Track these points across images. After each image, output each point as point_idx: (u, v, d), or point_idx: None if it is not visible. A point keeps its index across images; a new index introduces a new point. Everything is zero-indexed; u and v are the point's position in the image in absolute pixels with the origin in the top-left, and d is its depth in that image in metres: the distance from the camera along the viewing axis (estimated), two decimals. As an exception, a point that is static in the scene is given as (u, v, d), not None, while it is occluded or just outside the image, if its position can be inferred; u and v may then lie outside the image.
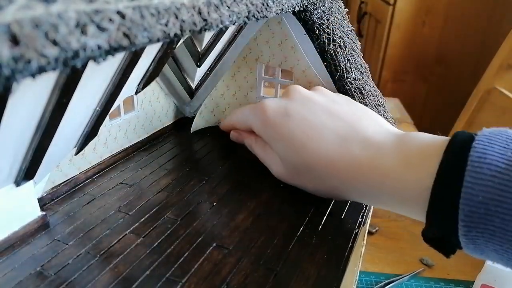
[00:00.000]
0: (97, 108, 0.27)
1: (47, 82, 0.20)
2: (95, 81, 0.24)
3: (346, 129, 0.29)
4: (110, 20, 0.14)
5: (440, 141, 0.26)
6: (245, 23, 0.23)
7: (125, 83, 0.26)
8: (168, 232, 0.27)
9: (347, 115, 0.30)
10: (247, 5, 0.23)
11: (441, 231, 0.24)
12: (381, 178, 0.26)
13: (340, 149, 0.29)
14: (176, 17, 0.17)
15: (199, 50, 0.36)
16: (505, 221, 0.21)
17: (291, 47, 0.37)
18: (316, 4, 0.33)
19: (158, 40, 0.17)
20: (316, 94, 0.33)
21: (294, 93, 0.33)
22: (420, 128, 0.87)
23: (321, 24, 0.34)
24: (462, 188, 0.22)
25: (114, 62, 0.24)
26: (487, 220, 0.22)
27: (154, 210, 0.29)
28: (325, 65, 0.35)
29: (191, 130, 0.43)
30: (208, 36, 0.35)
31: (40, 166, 0.25)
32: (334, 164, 0.28)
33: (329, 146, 0.29)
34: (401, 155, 0.26)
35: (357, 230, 0.28)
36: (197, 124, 0.43)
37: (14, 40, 0.11)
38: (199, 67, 0.38)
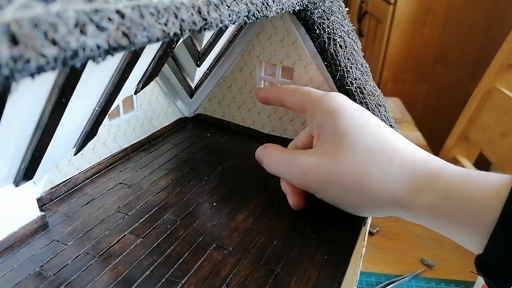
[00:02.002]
0: (96, 108, 0.27)
1: (46, 82, 0.20)
2: (94, 81, 0.24)
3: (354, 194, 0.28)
4: (110, 19, 0.14)
5: (492, 191, 0.24)
6: (245, 22, 0.23)
7: (124, 83, 0.26)
8: (168, 232, 0.27)
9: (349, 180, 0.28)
10: (247, 4, 0.23)
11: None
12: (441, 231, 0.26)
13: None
14: (176, 17, 0.17)
15: (199, 50, 0.36)
16: None
17: (292, 42, 0.37)
18: (316, 3, 0.32)
19: (157, 40, 0.16)
20: None
21: None
22: (421, 128, 0.88)
23: (321, 24, 0.33)
24: None
25: (114, 62, 0.24)
26: None
27: (153, 210, 0.29)
28: (325, 65, 0.35)
29: (193, 112, 0.44)
30: (207, 35, 0.35)
31: (39, 166, 0.25)
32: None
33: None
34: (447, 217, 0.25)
35: (357, 230, 0.28)
36: (204, 107, 0.43)
37: (13, 40, 0.11)
38: (199, 67, 0.38)
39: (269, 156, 0.32)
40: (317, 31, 0.34)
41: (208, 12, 0.19)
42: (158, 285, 0.22)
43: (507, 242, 0.23)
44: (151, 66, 0.31)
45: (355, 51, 0.36)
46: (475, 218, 0.24)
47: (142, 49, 0.25)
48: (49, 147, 0.24)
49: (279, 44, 0.38)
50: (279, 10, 0.27)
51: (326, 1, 0.34)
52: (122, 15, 0.15)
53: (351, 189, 0.27)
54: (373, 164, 0.27)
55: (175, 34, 0.17)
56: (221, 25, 0.21)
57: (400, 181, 0.26)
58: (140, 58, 0.26)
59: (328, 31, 0.34)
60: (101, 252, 0.25)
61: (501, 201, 0.23)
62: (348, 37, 0.36)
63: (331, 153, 0.28)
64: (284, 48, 0.37)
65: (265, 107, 0.41)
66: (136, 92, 0.34)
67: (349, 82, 0.35)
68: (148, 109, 0.39)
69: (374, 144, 0.27)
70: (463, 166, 0.27)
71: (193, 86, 0.42)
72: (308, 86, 0.38)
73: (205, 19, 0.19)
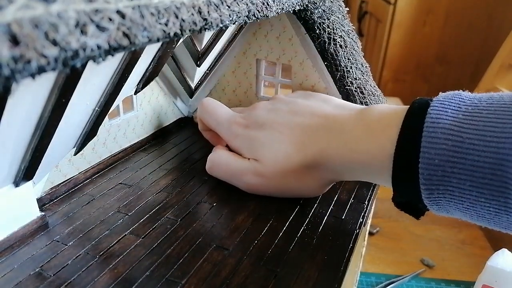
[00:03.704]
0: (96, 108, 0.27)
1: (46, 82, 0.20)
2: (94, 81, 0.24)
3: (311, 118, 0.30)
4: (110, 19, 0.14)
5: (400, 109, 0.26)
6: (245, 22, 0.23)
7: (124, 83, 0.26)
8: (168, 232, 0.27)
9: (309, 107, 0.31)
10: (247, 4, 0.23)
11: (407, 196, 0.25)
12: (349, 154, 0.27)
13: (312, 139, 0.29)
14: (176, 17, 0.17)
15: (199, 50, 0.36)
16: (461, 180, 0.22)
17: (288, 39, 0.37)
18: (316, 3, 0.32)
19: (158, 40, 0.16)
20: (278, 101, 0.34)
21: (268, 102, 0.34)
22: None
23: (321, 23, 0.33)
24: (419, 153, 0.23)
25: (114, 62, 0.24)
26: (445, 182, 0.23)
27: (153, 210, 0.29)
28: (325, 65, 0.35)
29: (192, 112, 0.44)
30: (207, 35, 0.35)
31: (39, 166, 0.25)
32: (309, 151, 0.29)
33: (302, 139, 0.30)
34: (364, 127, 0.27)
35: (357, 230, 0.28)
36: (194, 116, 0.44)
37: (14, 40, 0.11)
38: (199, 67, 0.38)
39: (212, 160, 0.33)
40: (317, 31, 0.34)
41: (208, 12, 0.19)
42: (158, 286, 0.22)
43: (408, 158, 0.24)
44: (151, 66, 0.31)
45: (355, 51, 0.36)
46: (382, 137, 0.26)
47: (142, 49, 0.25)
48: (49, 147, 0.24)
49: (276, 41, 0.38)
50: (279, 10, 0.27)
51: (326, 1, 0.34)
52: (122, 15, 0.15)
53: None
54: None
55: (175, 34, 0.17)
56: (221, 25, 0.21)
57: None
58: (140, 58, 0.26)
59: (328, 31, 0.34)
60: (101, 252, 0.25)
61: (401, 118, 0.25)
62: (348, 37, 0.36)
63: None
64: (280, 45, 0.37)
65: None
66: (136, 92, 0.34)
67: (349, 82, 0.35)
68: (148, 109, 0.39)
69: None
70: None
71: (193, 86, 0.42)
72: (304, 83, 0.38)
73: (205, 19, 0.19)
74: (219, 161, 0.32)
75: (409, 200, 0.26)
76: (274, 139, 0.30)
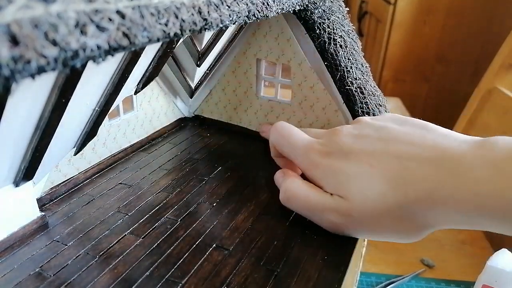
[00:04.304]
0: (96, 108, 0.27)
1: (46, 82, 0.20)
2: (94, 81, 0.24)
3: (410, 149, 0.26)
4: (110, 20, 0.14)
5: None
6: (245, 22, 0.23)
7: (124, 83, 0.26)
8: (168, 232, 0.27)
9: (404, 135, 0.27)
10: (247, 4, 0.23)
11: None
12: (476, 198, 0.22)
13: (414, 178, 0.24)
14: (176, 17, 0.17)
15: (199, 50, 0.36)
16: None
17: (287, 39, 0.37)
18: (316, 3, 0.32)
19: (158, 40, 0.16)
20: (364, 125, 0.30)
21: (359, 122, 0.31)
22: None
23: (321, 23, 0.33)
24: None
25: (114, 62, 0.24)
26: None
27: (153, 210, 0.29)
28: (325, 65, 0.35)
29: (193, 112, 0.44)
30: (208, 35, 0.35)
31: (39, 166, 0.25)
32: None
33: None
34: (490, 165, 0.22)
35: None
36: (202, 108, 0.44)
37: (14, 40, 0.11)
38: (199, 67, 0.38)
39: (289, 191, 0.29)
40: (317, 31, 0.34)
41: (208, 12, 0.19)
42: (158, 286, 0.22)
43: None
44: (151, 66, 0.31)
45: (355, 51, 0.36)
46: None
47: (142, 49, 0.25)
48: (49, 147, 0.24)
49: (274, 42, 0.38)
50: (279, 10, 0.27)
51: (326, 1, 0.34)
52: (122, 15, 0.15)
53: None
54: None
55: (175, 34, 0.17)
56: (221, 25, 0.21)
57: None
58: (140, 58, 0.26)
59: (328, 31, 0.34)
60: (101, 252, 0.25)
61: None
62: (348, 37, 0.36)
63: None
64: (279, 46, 0.37)
65: (261, 107, 0.41)
66: (136, 92, 0.34)
67: (349, 82, 0.35)
68: (148, 109, 0.39)
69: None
70: None
71: (193, 86, 0.42)
72: (302, 84, 0.38)
73: (205, 19, 0.19)
74: (297, 193, 0.28)
75: None
76: (363, 173, 0.25)
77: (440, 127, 0.27)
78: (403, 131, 0.27)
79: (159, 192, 0.31)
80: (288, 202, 0.29)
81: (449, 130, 0.27)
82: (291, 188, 0.29)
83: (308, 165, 0.29)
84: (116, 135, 0.35)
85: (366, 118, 0.31)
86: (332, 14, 0.34)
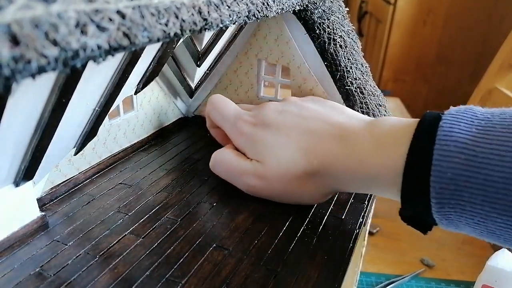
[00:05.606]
0: (97, 108, 0.27)
1: (46, 82, 0.20)
2: (94, 81, 0.24)
3: (321, 125, 0.30)
4: (110, 20, 0.14)
5: (410, 122, 0.26)
6: (245, 22, 0.23)
7: (124, 83, 0.26)
8: (168, 232, 0.27)
9: (319, 114, 0.31)
10: (247, 4, 0.23)
11: (416, 210, 0.25)
12: (357, 165, 0.27)
13: (317, 145, 0.29)
14: (176, 17, 0.17)
15: (199, 50, 0.36)
16: (473, 195, 0.22)
17: (286, 42, 0.37)
18: (316, 3, 0.32)
19: (158, 40, 0.16)
20: (289, 103, 0.33)
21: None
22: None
23: (321, 24, 0.34)
24: (431, 166, 0.23)
25: (114, 62, 0.24)
26: (457, 196, 0.22)
27: (153, 210, 0.29)
28: (325, 65, 0.35)
29: (193, 112, 0.44)
30: (208, 35, 0.35)
31: (39, 166, 0.25)
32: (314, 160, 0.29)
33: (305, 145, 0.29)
34: (373, 139, 0.27)
35: (357, 230, 0.28)
36: (202, 108, 0.44)
37: (14, 40, 0.11)
38: (199, 67, 0.38)
39: (216, 157, 0.33)
40: (317, 31, 0.34)
41: (208, 12, 0.19)
42: (158, 286, 0.22)
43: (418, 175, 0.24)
44: (151, 66, 0.31)
45: (355, 51, 0.36)
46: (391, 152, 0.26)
47: (142, 49, 0.25)
48: (49, 147, 0.24)
49: (274, 44, 0.38)
50: (279, 10, 0.27)
51: (326, 1, 0.34)
52: (122, 15, 0.15)
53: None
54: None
55: (175, 34, 0.17)
56: (221, 25, 0.21)
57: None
58: (140, 58, 0.26)
59: (328, 31, 0.34)
60: (101, 252, 0.25)
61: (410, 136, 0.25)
62: (348, 37, 0.36)
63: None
64: (278, 48, 0.38)
65: None
66: (136, 92, 0.34)
67: (349, 82, 0.35)
68: (148, 109, 0.39)
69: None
70: None
71: (193, 86, 0.42)
72: (302, 86, 0.38)
73: (205, 19, 0.19)
74: (222, 159, 0.32)
75: (417, 215, 0.25)
76: (280, 142, 0.29)
77: (350, 109, 0.32)
78: (319, 111, 0.31)
79: (159, 192, 0.31)
80: (213, 167, 0.33)
81: (356, 112, 0.32)
82: (218, 155, 0.33)
83: (235, 134, 0.32)
84: (116, 135, 0.35)
85: (293, 98, 0.34)
86: (332, 14, 0.34)
